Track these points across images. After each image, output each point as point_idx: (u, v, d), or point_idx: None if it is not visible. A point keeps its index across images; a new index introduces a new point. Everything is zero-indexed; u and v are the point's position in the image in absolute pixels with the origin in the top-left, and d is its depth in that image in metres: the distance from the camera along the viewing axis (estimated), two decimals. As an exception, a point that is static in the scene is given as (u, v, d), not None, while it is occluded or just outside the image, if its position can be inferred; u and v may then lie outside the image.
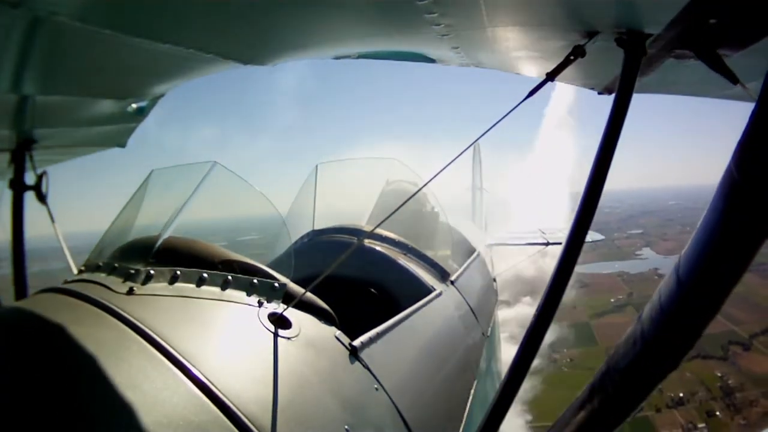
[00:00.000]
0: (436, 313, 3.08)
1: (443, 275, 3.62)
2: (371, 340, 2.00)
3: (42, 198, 3.04)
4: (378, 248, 3.39)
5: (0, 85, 1.73)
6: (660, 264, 58.20)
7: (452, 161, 1.77)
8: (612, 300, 50.32)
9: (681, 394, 33.65)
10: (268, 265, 1.89)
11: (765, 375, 34.74)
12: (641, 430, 28.48)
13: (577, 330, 41.98)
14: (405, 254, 3.51)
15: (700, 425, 31.88)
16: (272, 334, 1.57)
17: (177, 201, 2.07)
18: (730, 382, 35.32)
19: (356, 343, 1.88)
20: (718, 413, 32.81)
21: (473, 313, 3.83)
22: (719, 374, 35.98)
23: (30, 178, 3.06)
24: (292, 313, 1.69)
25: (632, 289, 51.75)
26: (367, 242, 3.34)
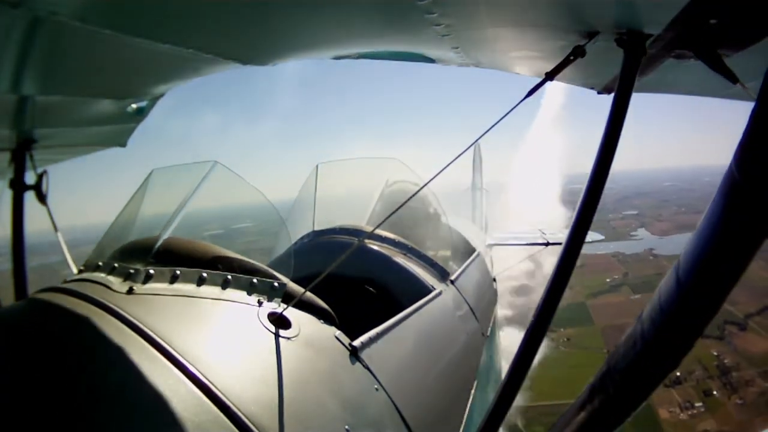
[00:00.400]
0: (436, 313, 3.08)
1: (443, 275, 3.62)
2: (371, 340, 2.00)
3: (42, 198, 3.04)
4: (378, 248, 3.39)
5: (0, 85, 1.73)
6: (655, 244, 58.42)
7: (453, 161, 1.77)
8: (608, 280, 50.68)
9: (678, 373, 33.82)
10: (268, 265, 1.89)
11: (760, 355, 35.03)
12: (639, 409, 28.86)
13: (574, 310, 42.31)
14: (405, 254, 3.51)
15: (698, 404, 32.05)
16: (272, 334, 1.57)
17: (177, 201, 2.07)
18: (726, 361, 35.61)
19: (356, 343, 1.87)
20: (715, 392, 33.07)
21: (473, 312, 3.83)
22: (715, 353, 36.20)
23: (30, 178, 3.07)
24: (292, 313, 1.69)
25: (627, 269, 52.23)
26: (367, 242, 3.34)
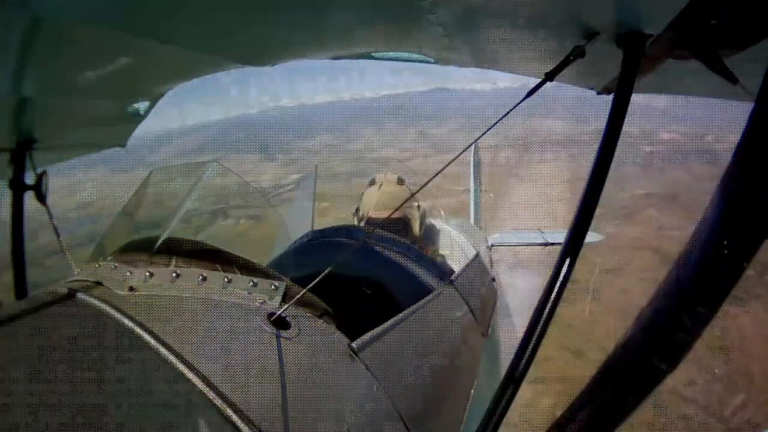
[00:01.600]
0: (436, 313, 3.08)
1: (443, 275, 3.62)
2: (371, 340, 2.00)
3: (42, 198, 3.03)
4: (378, 248, 3.39)
5: (0, 85, 1.73)
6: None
7: (451, 161, 1.77)
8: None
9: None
10: (268, 265, 1.89)
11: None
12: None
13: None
14: (405, 254, 3.51)
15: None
16: (272, 334, 1.57)
17: (177, 200, 2.07)
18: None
19: (356, 343, 1.87)
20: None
21: (473, 313, 3.83)
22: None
23: (30, 178, 3.06)
24: (292, 313, 1.69)
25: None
26: (366, 242, 3.34)
